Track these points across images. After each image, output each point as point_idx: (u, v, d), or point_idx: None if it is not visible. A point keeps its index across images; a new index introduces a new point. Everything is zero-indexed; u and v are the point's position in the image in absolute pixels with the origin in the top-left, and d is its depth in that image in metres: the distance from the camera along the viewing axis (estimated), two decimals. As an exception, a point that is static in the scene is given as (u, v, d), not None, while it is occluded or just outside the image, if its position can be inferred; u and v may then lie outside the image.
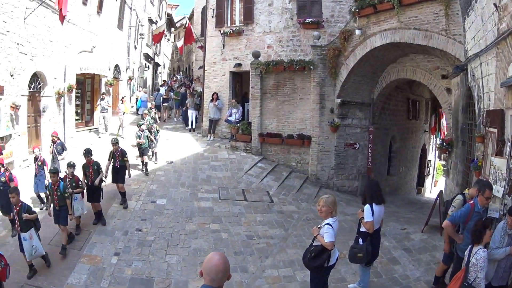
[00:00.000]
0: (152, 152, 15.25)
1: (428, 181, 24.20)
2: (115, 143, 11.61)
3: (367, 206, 6.87)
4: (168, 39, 46.51)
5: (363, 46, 13.37)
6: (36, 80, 14.66)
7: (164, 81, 33.46)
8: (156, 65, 39.87)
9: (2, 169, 10.05)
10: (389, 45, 12.62)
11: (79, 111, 19.76)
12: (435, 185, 24.46)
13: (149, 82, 36.57)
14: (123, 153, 11.65)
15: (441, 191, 11.64)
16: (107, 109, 19.01)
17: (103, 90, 20.90)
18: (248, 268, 8.92)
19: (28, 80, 13.69)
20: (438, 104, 16.10)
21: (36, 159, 11.36)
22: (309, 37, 15.62)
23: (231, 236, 10.43)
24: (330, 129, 14.89)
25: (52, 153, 12.43)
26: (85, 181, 10.52)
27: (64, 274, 8.45)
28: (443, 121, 20.43)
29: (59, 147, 12.43)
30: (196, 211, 11.72)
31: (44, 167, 11.34)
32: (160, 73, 43.68)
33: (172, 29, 46.49)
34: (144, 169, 14.23)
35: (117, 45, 23.59)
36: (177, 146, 17.54)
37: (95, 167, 10.61)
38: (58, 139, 12.65)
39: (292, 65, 14.92)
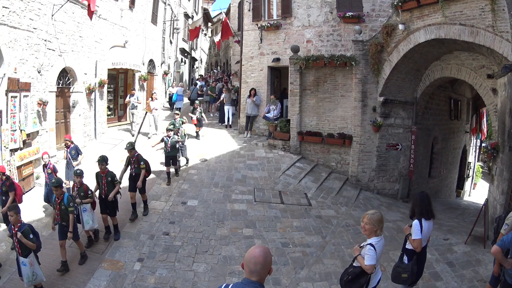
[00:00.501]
0: (179, 163, 13.47)
1: (467, 184, 23.14)
2: (131, 149, 10.56)
3: (415, 222, 6.07)
4: (205, 34, 46.27)
5: (407, 42, 12.42)
6: (65, 75, 14.41)
7: (201, 75, 32.99)
8: (193, 59, 39.58)
9: (3, 177, 9.35)
10: (433, 41, 11.66)
11: (111, 106, 19.55)
12: (473, 188, 23.55)
13: (186, 77, 36.30)
14: (139, 160, 10.54)
15: (486, 200, 10.46)
16: (136, 106, 18.25)
17: (136, 85, 20.58)
18: (281, 281, 8.11)
19: (56, 76, 13.48)
20: (480, 104, 14.85)
21: (45, 166, 10.68)
22: (350, 32, 14.79)
23: (265, 243, 9.56)
24: (372, 128, 13.93)
25: (66, 158, 11.60)
26: (98, 191, 9.57)
27: (83, 280, 7.96)
28: (484, 121, 19.80)
29: (73, 152, 11.56)
30: (229, 214, 10.92)
31: (56, 174, 10.60)
32: (197, 68, 43.41)
33: (209, 24, 46.21)
34: (167, 181, 12.77)
35: (151, 40, 23.30)
36: (212, 143, 16.87)
37: (109, 178, 9.49)
38: (72, 143, 11.81)
39: (333, 61, 14.00)
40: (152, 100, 17.70)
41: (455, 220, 12.94)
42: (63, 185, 9.03)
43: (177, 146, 12.92)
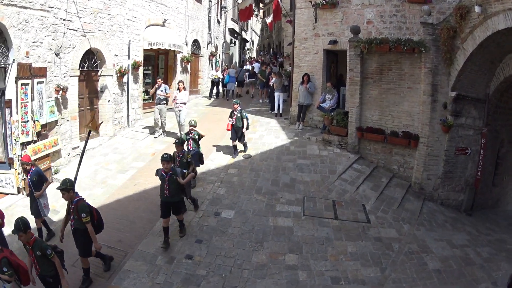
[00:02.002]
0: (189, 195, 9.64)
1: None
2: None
3: None
4: (257, 15, 44.72)
5: (484, 28, 10.08)
6: (92, 58, 12.88)
7: (252, 57, 31.24)
8: (244, 41, 38.06)
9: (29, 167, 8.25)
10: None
11: (149, 90, 17.75)
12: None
13: (236, 59, 34.87)
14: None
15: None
16: (164, 100, 14.41)
17: (178, 67, 19.17)
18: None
19: (79, 59, 12.04)
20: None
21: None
22: (415, 13, 12.55)
23: (311, 277, 7.55)
24: (442, 128, 11.59)
25: (29, 187, 8.45)
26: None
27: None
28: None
29: (35, 178, 8.29)
30: (270, 232, 8.91)
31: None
32: (248, 49, 41.98)
33: (261, 4, 44.70)
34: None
35: (195, 19, 21.71)
36: (258, 134, 14.95)
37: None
38: (33, 165, 8.57)
39: (400, 45, 11.66)
40: (179, 91, 14.33)
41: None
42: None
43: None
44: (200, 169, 11.23)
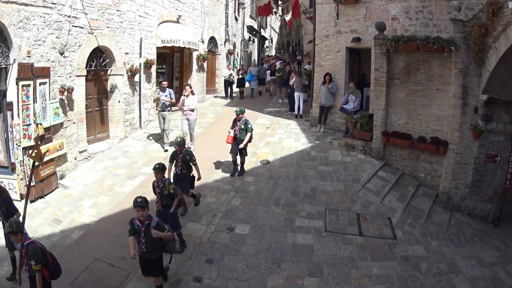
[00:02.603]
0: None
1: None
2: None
3: None
4: (276, 12, 44.12)
5: None
6: (100, 56, 12.20)
7: (269, 56, 30.50)
8: (263, 38, 37.32)
9: None
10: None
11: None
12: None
13: (255, 57, 34.25)
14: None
15: None
16: (169, 106, 12.91)
17: (194, 65, 18.51)
18: None
19: (86, 58, 11.38)
20: None
21: None
22: (442, 9, 11.73)
23: (334, 306, 6.64)
24: (472, 134, 10.62)
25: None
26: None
27: None
28: None
29: (4, 208, 7.04)
30: (288, 251, 8.04)
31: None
32: (267, 47, 41.20)
33: (280, 1, 43.84)
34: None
35: (212, 15, 20.96)
36: (278, 137, 14.11)
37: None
38: (2, 193, 7.20)
39: (428, 43, 10.68)
40: (186, 96, 12.62)
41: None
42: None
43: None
44: (214, 176, 10.46)
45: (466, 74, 10.51)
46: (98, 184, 10.57)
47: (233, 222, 8.86)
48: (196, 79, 19.13)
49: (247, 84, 22.37)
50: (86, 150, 11.61)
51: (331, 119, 14.84)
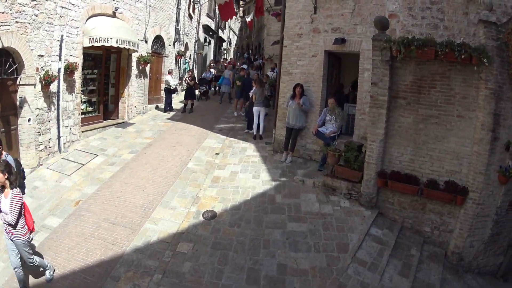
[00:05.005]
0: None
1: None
2: None
3: None
4: (236, 13, 41.97)
5: None
6: (6, 62, 9.37)
7: (217, 60, 27.78)
8: (220, 40, 35.01)
9: None
10: None
11: (93, 99, 14.09)
12: None
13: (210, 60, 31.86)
14: None
15: None
16: None
17: (134, 69, 15.35)
18: None
19: None
20: None
21: None
22: (457, 8, 8.94)
23: None
24: (499, 179, 7.87)
25: None
26: None
27: None
28: None
29: None
30: None
31: None
32: (224, 50, 38.96)
33: (241, 2, 42.05)
34: None
35: (160, 10, 17.85)
36: (230, 169, 10.82)
37: None
38: None
39: (453, 51, 7.65)
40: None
41: None
42: None
43: None
44: (134, 242, 6.98)
45: (500, 97, 7.64)
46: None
47: None
48: (136, 86, 15.76)
49: (222, 88, 20.63)
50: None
51: (301, 145, 11.69)
